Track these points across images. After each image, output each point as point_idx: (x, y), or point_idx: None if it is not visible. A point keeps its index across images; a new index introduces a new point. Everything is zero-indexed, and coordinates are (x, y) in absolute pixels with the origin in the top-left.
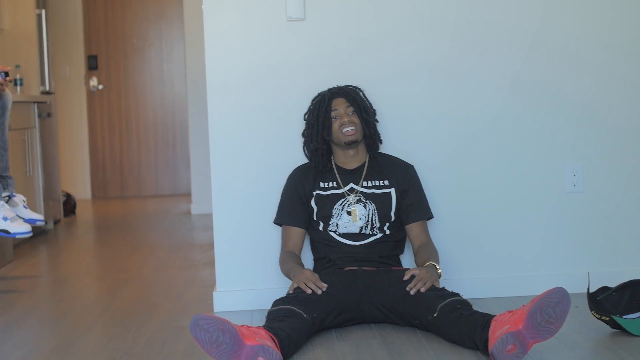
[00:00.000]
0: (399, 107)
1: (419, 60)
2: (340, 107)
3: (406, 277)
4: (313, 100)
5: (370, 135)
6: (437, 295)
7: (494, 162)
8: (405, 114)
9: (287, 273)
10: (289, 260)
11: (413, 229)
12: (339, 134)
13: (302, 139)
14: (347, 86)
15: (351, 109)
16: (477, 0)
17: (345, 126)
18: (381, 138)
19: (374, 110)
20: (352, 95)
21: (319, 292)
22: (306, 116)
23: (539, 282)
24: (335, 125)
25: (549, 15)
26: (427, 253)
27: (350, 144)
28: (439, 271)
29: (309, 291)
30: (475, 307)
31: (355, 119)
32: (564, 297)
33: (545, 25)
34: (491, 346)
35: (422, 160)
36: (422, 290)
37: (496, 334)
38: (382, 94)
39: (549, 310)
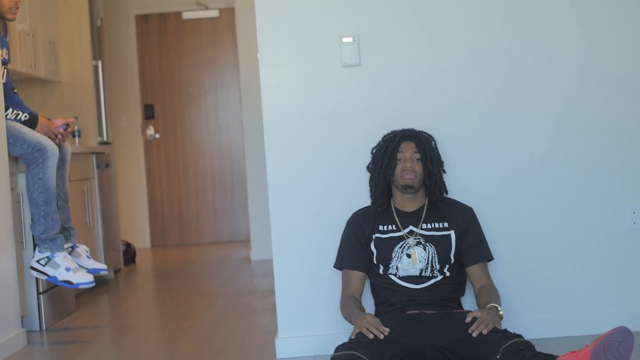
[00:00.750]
0: (455, 146)
1: (473, 98)
2: (407, 150)
3: (468, 320)
4: (384, 136)
5: (431, 185)
6: (499, 337)
7: (551, 201)
8: (461, 153)
9: (348, 318)
10: (349, 305)
11: (474, 271)
12: (399, 178)
13: (361, 183)
14: (420, 132)
15: (417, 155)
16: (526, 36)
17: (407, 172)
18: (447, 189)
19: (442, 161)
20: (422, 143)
21: (381, 336)
22: (374, 150)
23: (601, 321)
24: (399, 167)
25: (598, 47)
26: (489, 295)
27: (407, 188)
28: (501, 313)
29: (370, 336)
30: (537, 348)
31: (418, 167)
32: (628, 336)
33: (595, 57)
34: None
35: (478, 199)
36: (484, 332)
37: None
38: (438, 134)
39: (612, 349)
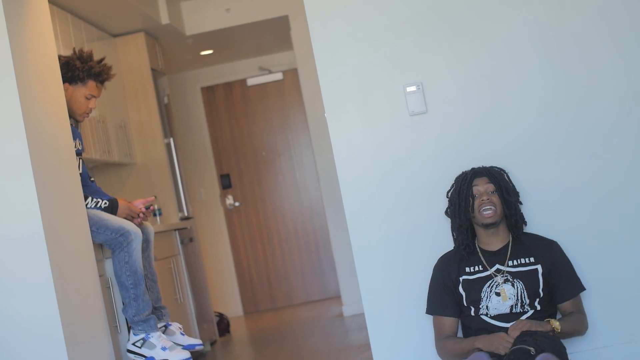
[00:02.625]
0: (528, 177)
1: (538, 132)
2: (481, 185)
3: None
4: (456, 178)
5: (511, 216)
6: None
7: (626, 216)
8: (534, 182)
9: (461, 349)
10: (457, 340)
11: (564, 306)
12: (478, 215)
13: (442, 227)
14: (490, 167)
15: (492, 187)
16: (578, 58)
17: (485, 205)
18: (525, 220)
19: (517, 192)
20: (495, 175)
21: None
22: (449, 193)
23: None
24: (476, 203)
25: None
26: (565, 317)
27: (489, 226)
28: (553, 325)
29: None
30: None
31: (495, 199)
32: None
33: None
34: None
35: (561, 230)
36: (514, 332)
37: None
38: (510, 167)
39: None
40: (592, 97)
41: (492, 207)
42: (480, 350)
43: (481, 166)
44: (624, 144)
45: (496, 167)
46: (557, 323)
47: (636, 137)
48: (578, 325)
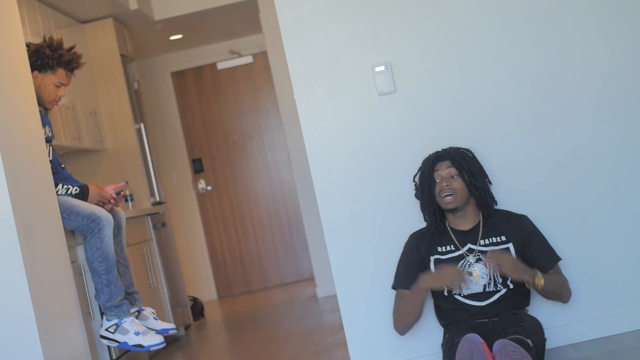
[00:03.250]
0: (499, 156)
1: (509, 110)
2: (442, 170)
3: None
4: (423, 160)
5: (479, 198)
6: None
7: (600, 192)
8: (505, 161)
9: (408, 304)
10: (404, 298)
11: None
12: (439, 199)
13: (413, 207)
14: (456, 148)
15: (454, 172)
16: (553, 37)
17: (444, 191)
18: (495, 199)
19: (485, 172)
20: (457, 158)
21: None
22: (415, 177)
23: None
24: (437, 189)
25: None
26: (551, 275)
27: (451, 211)
28: (539, 278)
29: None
30: (613, 345)
31: (457, 184)
32: (472, 344)
33: (624, 51)
34: None
35: (532, 206)
36: (491, 261)
37: None
38: (481, 147)
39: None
40: (565, 74)
41: (452, 193)
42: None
43: (448, 147)
44: (598, 121)
45: (462, 149)
46: (543, 281)
47: (611, 115)
48: (562, 287)
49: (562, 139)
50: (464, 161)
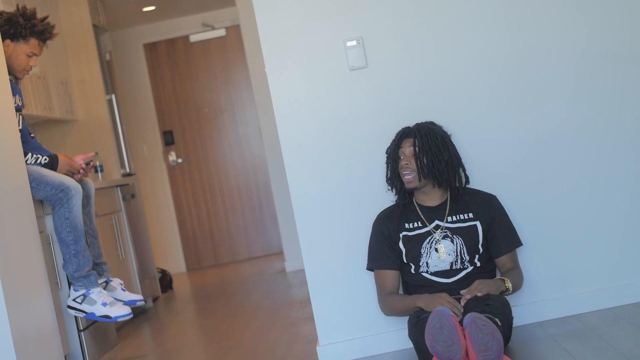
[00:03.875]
0: (471, 134)
1: (481, 87)
2: (406, 147)
3: (466, 295)
4: (396, 133)
5: (443, 178)
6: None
7: (568, 174)
8: (477, 140)
9: (403, 307)
10: (399, 298)
11: (501, 260)
12: (401, 177)
13: (383, 183)
14: (426, 126)
15: (416, 151)
16: (528, 14)
17: (404, 170)
18: (463, 180)
19: (452, 153)
20: (421, 138)
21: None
22: (387, 150)
23: (637, 289)
24: (399, 166)
25: (602, 24)
26: (508, 273)
27: (412, 189)
28: (507, 285)
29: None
30: (579, 323)
31: (416, 165)
32: (442, 317)
33: (601, 30)
34: None
35: (500, 187)
36: (467, 296)
37: None
38: (452, 124)
39: (439, 337)
40: (540, 53)
41: (412, 173)
42: (422, 309)
43: (418, 123)
44: (574, 101)
45: (433, 126)
46: (510, 283)
47: (587, 97)
48: (519, 280)
49: (536, 120)
50: (426, 142)
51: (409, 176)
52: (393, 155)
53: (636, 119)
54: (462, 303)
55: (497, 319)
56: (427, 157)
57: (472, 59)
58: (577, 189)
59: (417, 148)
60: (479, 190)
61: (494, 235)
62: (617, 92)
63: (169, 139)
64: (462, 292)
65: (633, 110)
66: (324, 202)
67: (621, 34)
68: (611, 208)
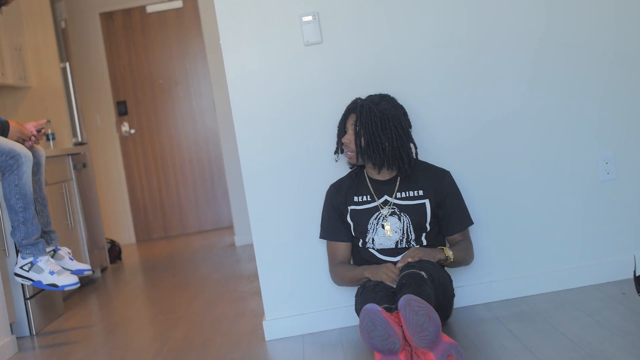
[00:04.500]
0: (423, 114)
1: (436, 68)
2: (350, 123)
3: (399, 264)
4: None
5: (376, 158)
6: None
7: (523, 157)
8: (429, 120)
9: (352, 277)
10: (349, 268)
11: (452, 239)
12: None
13: (333, 159)
14: (369, 101)
15: (356, 130)
16: (486, 3)
17: (345, 146)
18: (415, 151)
19: (399, 131)
20: (361, 118)
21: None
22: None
23: (584, 274)
24: (343, 140)
25: (562, 9)
26: (454, 245)
27: (353, 166)
28: (447, 254)
29: (394, 285)
30: (525, 305)
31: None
32: (373, 315)
33: (554, 13)
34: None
35: (452, 164)
36: (399, 264)
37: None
38: (407, 99)
39: (375, 333)
40: (499, 35)
41: (352, 151)
42: (369, 279)
43: (369, 95)
44: (533, 86)
45: (380, 99)
46: (451, 252)
47: (546, 80)
48: (467, 254)
49: (494, 101)
50: (366, 123)
51: (350, 153)
52: (340, 129)
53: (594, 105)
54: (399, 265)
55: (422, 272)
56: (364, 139)
57: (429, 38)
58: (531, 172)
59: (357, 128)
60: (432, 165)
61: (445, 213)
62: (576, 79)
63: (122, 110)
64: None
65: (593, 97)
66: (274, 176)
67: (581, 21)
68: (563, 193)
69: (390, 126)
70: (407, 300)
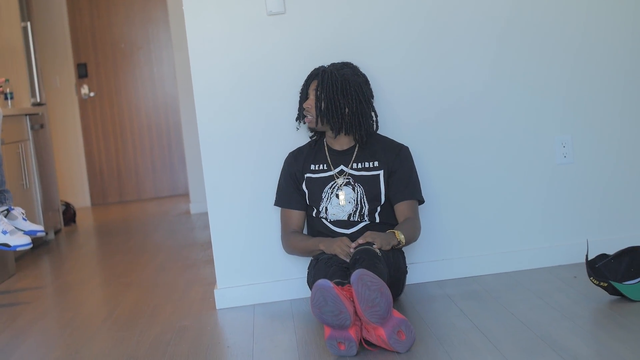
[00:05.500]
0: (384, 89)
1: (399, 43)
2: (312, 89)
3: (353, 245)
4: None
5: (335, 124)
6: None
7: (481, 138)
8: (389, 96)
9: (305, 248)
10: (302, 238)
11: (400, 208)
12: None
13: (291, 127)
14: (332, 69)
15: (317, 94)
16: None
17: (306, 111)
18: (374, 124)
19: (360, 99)
20: (325, 82)
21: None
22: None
23: (537, 256)
24: (304, 105)
25: None
26: (401, 225)
27: (312, 130)
28: (399, 238)
29: (348, 259)
30: (477, 285)
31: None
32: (324, 291)
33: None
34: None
35: (409, 141)
36: (352, 246)
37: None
38: (367, 70)
39: (325, 309)
40: (465, 9)
41: (311, 115)
42: (322, 252)
43: (332, 63)
44: (496, 62)
45: (342, 67)
46: (402, 236)
47: (509, 56)
48: (415, 232)
49: (453, 81)
50: (326, 88)
51: (309, 116)
52: (302, 94)
53: (557, 89)
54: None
55: (376, 249)
56: (324, 103)
57: (391, 10)
58: (489, 154)
59: (318, 92)
60: (392, 140)
61: (395, 182)
62: (539, 63)
63: (82, 72)
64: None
65: (556, 81)
66: (232, 144)
67: (546, 6)
68: (519, 176)
69: (351, 91)
70: (359, 275)
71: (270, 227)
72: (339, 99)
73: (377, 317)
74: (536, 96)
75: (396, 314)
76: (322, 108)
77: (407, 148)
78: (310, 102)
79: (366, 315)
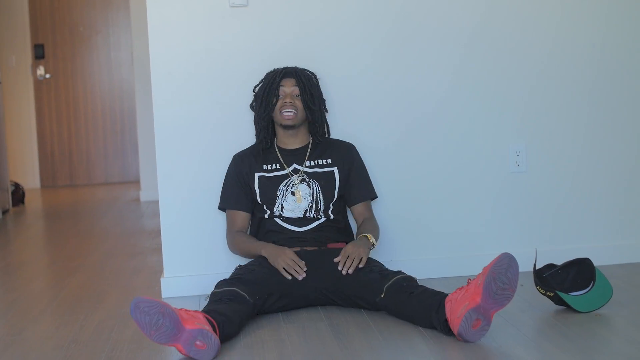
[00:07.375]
0: (343, 91)
1: (362, 45)
2: (287, 87)
3: (337, 260)
4: (267, 74)
5: (314, 123)
6: (380, 276)
7: (438, 143)
8: (349, 98)
9: (247, 250)
10: (245, 239)
11: (357, 208)
12: (279, 115)
13: (246, 123)
14: (302, 69)
15: (297, 91)
16: None
17: (286, 107)
18: (329, 128)
19: (323, 99)
20: (303, 79)
21: (300, 277)
22: (256, 88)
23: (485, 263)
24: (279, 104)
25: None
26: (365, 226)
27: (287, 128)
28: (372, 241)
29: (289, 277)
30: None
31: (298, 103)
32: (512, 261)
33: (489, 10)
34: (457, 327)
35: (367, 143)
36: (350, 271)
37: (457, 313)
38: (326, 77)
39: (501, 277)
40: (432, 17)
41: (293, 111)
42: (264, 258)
43: (294, 66)
44: (459, 70)
45: (308, 71)
46: (373, 238)
47: (471, 65)
48: (378, 231)
49: (415, 87)
50: (309, 83)
51: (290, 113)
52: (272, 93)
53: (514, 97)
54: (344, 272)
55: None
56: (310, 99)
57: (357, 11)
58: (443, 160)
59: (302, 85)
60: (338, 139)
61: (351, 183)
62: (498, 72)
63: (39, 53)
64: (339, 267)
65: (516, 89)
66: (187, 134)
67: (510, 18)
68: (472, 183)
69: (320, 94)
70: (135, 304)
71: (221, 219)
72: (317, 94)
73: (166, 338)
74: (495, 105)
75: (190, 325)
76: (308, 103)
77: (355, 147)
78: (292, 98)
79: (155, 340)
